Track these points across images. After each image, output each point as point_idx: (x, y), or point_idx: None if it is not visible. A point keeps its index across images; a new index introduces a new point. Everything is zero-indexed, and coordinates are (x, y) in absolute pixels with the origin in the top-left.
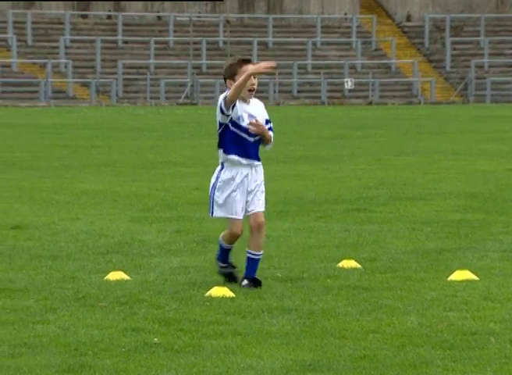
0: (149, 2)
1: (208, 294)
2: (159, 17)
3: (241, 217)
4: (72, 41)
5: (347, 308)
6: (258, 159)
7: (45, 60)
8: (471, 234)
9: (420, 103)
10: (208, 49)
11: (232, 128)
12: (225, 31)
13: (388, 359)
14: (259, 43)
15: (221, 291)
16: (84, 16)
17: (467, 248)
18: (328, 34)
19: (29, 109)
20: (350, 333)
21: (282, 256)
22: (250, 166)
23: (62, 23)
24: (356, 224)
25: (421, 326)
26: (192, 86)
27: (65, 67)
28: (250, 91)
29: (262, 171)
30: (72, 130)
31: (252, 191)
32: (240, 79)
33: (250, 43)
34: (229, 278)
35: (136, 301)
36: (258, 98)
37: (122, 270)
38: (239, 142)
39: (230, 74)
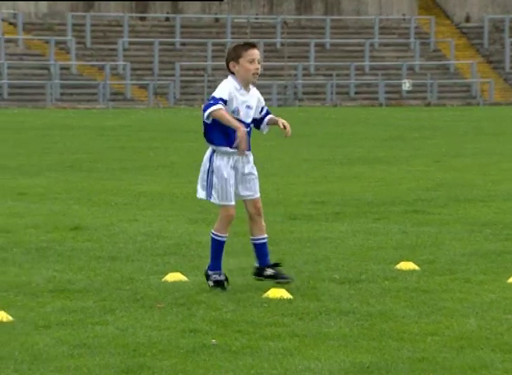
0: (206, 4)
1: (265, 295)
2: (217, 19)
3: (234, 202)
4: (131, 44)
5: (405, 311)
6: (249, 149)
7: (103, 62)
8: None
9: (479, 104)
10: (265, 51)
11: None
12: (282, 33)
13: (447, 362)
14: (316, 44)
15: (278, 293)
16: (142, 18)
17: None
18: (386, 35)
19: (87, 111)
20: (409, 335)
21: (339, 258)
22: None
23: (120, 26)
24: (414, 226)
25: (480, 329)
26: None
27: (123, 69)
28: (254, 74)
29: (252, 157)
30: (130, 131)
31: (245, 174)
32: (231, 120)
33: (308, 44)
34: (222, 286)
35: (194, 303)
36: (317, 99)
37: (180, 271)
38: (230, 134)
39: (235, 56)
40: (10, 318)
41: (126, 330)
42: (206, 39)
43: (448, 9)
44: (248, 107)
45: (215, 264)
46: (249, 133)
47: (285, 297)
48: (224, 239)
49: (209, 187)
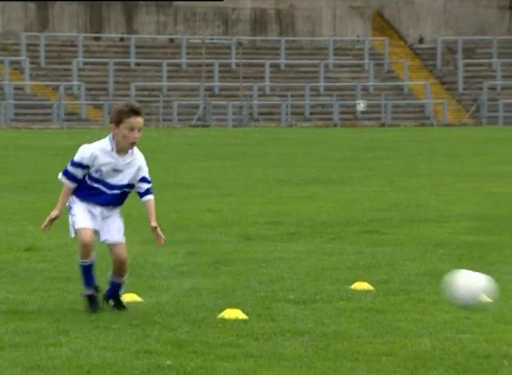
0: (161, 24)
1: (220, 316)
2: (172, 39)
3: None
4: (85, 64)
5: (360, 331)
6: (120, 203)
7: (58, 82)
8: (484, 257)
9: (432, 125)
10: (220, 71)
11: (86, 179)
12: (237, 53)
13: None
14: (271, 65)
15: (233, 313)
16: (97, 38)
17: (481, 271)
18: (340, 56)
19: (41, 131)
20: (363, 355)
21: (294, 278)
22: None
23: (74, 46)
24: (369, 246)
25: (434, 349)
26: (204, 108)
27: (78, 89)
28: (131, 143)
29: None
30: None
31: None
32: (60, 200)
33: (263, 65)
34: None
35: (149, 324)
36: (273, 120)
37: (135, 292)
38: (95, 193)
39: (116, 120)
40: None
41: (81, 352)
42: (161, 59)
43: (402, 31)
44: (116, 170)
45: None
46: (116, 195)
47: (240, 317)
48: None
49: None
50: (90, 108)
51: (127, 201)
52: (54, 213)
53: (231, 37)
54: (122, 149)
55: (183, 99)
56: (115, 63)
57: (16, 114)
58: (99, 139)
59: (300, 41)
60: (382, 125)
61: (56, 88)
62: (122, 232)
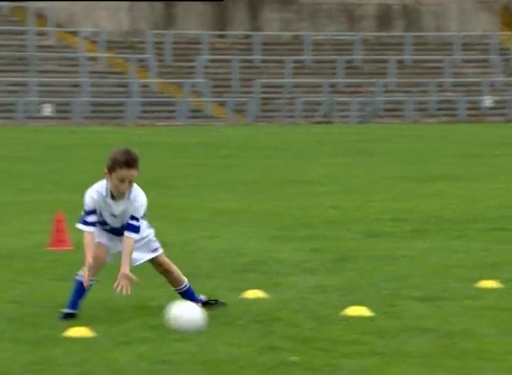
0: (286, 22)
1: (343, 313)
2: (295, 36)
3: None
4: (210, 61)
5: (487, 329)
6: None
7: (183, 80)
8: None
9: None
10: (345, 68)
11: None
12: (362, 50)
13: None
14: (396, 61)
15: (358, 311)
16: (222, 36)
17: None
18: (467, 52)
19: (167, 128)
20: (491, 354)
21: (419, 276)
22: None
23: (199, 43)
24: (495, 244)
25: None
26: (328, 104)
27: (203, 87)
28: (121, 193)
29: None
30: (208, 148)
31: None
32: (86, 253)
33: (387, 61)
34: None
35: (273, 320)
36: (397, 116)
37: (259, 288)
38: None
39: (110, 167)
40: (92, 333)
41: (206, 347)
42: (285, 56)
43: None
44: (113, 215)
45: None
46: (121, 237)
47: (364, 315)
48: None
49: None
50: (214, 105)
51: (248, 197)
52: (88, 264)
53: (355, 33)
54: (116, 195)
55: (307, 96)
56: (240, 60)
57: (142, 111)
58: (223, 136)
59: (426, 36)
60: (509, 121)
61: (181, 85)
62: (152, 247)
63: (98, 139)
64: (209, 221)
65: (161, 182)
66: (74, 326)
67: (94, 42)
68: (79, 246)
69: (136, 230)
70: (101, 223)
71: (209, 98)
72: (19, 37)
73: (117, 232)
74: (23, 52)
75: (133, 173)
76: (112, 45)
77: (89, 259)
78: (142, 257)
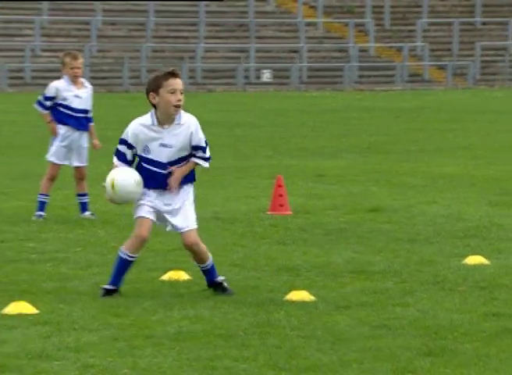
0: None
1: None
2: None
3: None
4: (430, 24)
5: None
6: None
7: (402, 44)
8: None
9: None
10: None
11: (140, 161)
12: None
13: None
14: None
15: None
16: None
17: None
18: None
19: (384, 93)
20: None
21: None
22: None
23: (419, 6)
24: None
25: None
26: None
27: (422, 50)
28: (176, 106)
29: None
30: (427, 113)
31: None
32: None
33: None
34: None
35: (496, 286)
36: None
37: (481, 254)
38: (150, 175)
39: (154, 87)
40: (312, 298)
41: (427, 313)
42: (508, 18)
43: None
44: (163, 145)
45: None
46: (167, 175)
47: None
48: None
49: None
50: (433, 69)
51: (468, 162)
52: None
53: None
54: (167, 118)
55: None
56: (460, 23)
57: (360, 76)
58: (442, 100)
59: None
60: None
61: (400, 50)
62: (191, 218)
63: (316, 104)
64: (428, 186)
65: (380, 147)
66: (295, 289)
67: (312, 7)
68: (298, 211)
69: (207, 160)
70: (146, 161)
71: (428, 61)
72: (240, 3)
73: (164, 178)
74: (243, 19)
75: (180, 82)
76: (330, 10)
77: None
78: (184, 225)
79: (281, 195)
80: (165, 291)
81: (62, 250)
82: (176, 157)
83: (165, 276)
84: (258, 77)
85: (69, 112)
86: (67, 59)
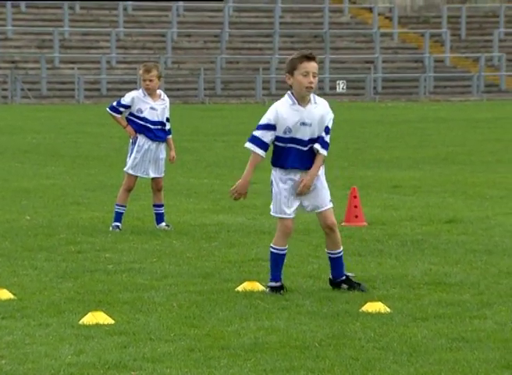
0: None
1: None
2: None
3: (290, 216)
4: (507, 34)
5: None
6: (309, 167)
7: (478, 54)
8: None
9: None
10: None
11: (278, 143)
12: None
13: None
14: None
15: None
16: None
17: None
18: None
19: (461, 103)
20: None
21: None
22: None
23: (496, 16)
24: None
25: None
26: None
27: (499, 60)
28: (307, 88)
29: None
30: (505, 123)
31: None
32: (248, 170)
33: None
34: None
35: None
36: None
37: None
38: (291, 154)
39: (289, 69)
40: (388, 309)
41: (505, 325)
42: None
43: None
44: (304, 124)
45: (275, 275)
46: (308, 152)
47: None
48: (283, 252)
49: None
50: (510, 79)
51: None
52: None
53: None
54: (302, 98)
55: None
56: None
57: (436, 86)
58: None
59: None
60: None
61: (476, 60)
62: (326, 198)
63: (391, 115)
64: (506, 197)
65: (455, 158)
66: (370, 301)
67: (388, 18)
68: (373, 222)
69: (327, 146)
70: (288, 141)
71: (505, 71)
72: (315, 14)
73: (305, 155)
74: (318, 30)
75: (315, 65)
76: (406, 21)
77: (244, 179)
78: (318, 205)
79: (356, 206)
80: (240, 301)
81: (138, 261)
82: (316, 135)
83: (240, 287)
84: (333, 88)
85: (145, 124)
86: (140, 71)
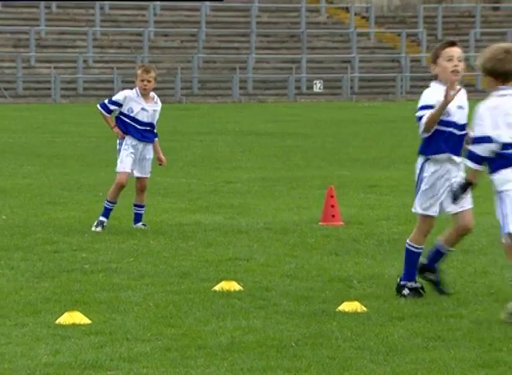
0: None
1: None
2: None
3: (434, 214)
4: (483, 34)
5: None
6: (459, 154)
7: None
8: None
9: None
10: None
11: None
12: None
13: None
14: None
15: None
16: (496, 9)
17: None
18: None
19: None
20: None
21: None
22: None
23: (472, 16)
24: None
25: None
26: None
27: (475, 60)
28: (453, 71)
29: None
30: None
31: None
32: (435, 110)
33: None
34: (418, 293)
35: None
36: None
37: None
38: (447, 138)
39: (434, 58)
40: (364, 309)
41: (481, 324)
42: None
43: None
44: (460, 107)
45: (409, 274)
46: (463, 136)
47: None
48: (420, 251)
49: (416, 195)
50: (485, 80)
51: None
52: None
53: None
54: (451, 84)
55: None
56: None
57: (412, 86)
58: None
59: None
60: None
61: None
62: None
63: (368, 115)
64: (482, 197)
65: None
66: (347, 300)
67: (364, 18)
68: (350, 221)
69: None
70: (446, 124)
71: (481, 72)
72: (292, 14)
73: (461, 140)
74: (295, 29)
75: (458, 50)
76: (382, 20)
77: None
78: (452, 207)
79: (333, 206)
80: (217, 301)
81: (115, 260)
82: (466, 119)
83: (218, 287)
84: (310, 88)
85: (134, 124)
86: (139, 71)
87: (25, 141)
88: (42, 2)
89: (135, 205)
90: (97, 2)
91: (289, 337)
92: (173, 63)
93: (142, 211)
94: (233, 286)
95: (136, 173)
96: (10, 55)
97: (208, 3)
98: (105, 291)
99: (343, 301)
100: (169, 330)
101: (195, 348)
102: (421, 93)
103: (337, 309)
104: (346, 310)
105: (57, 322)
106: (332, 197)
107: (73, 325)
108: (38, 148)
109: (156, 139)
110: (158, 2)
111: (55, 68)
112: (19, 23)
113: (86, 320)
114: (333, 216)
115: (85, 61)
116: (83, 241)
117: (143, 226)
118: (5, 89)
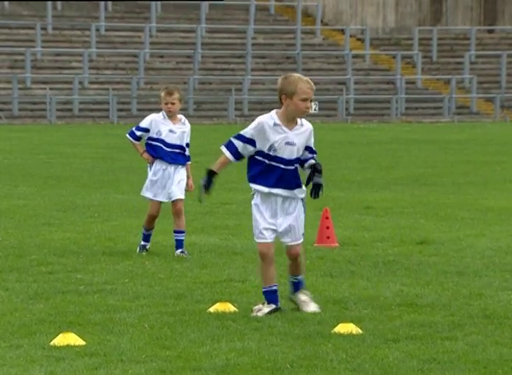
0: None
1: None
2: None
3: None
4: (478, 56)
5: None
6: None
7: (449, 76)
8: None
9: None
10: None
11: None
12: None
13: None
14: None
15: None
16: (490, 31)
17: None
18: None
19: (432, 125)
20: None
21: None
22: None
23: (467, 39)
24: None
25: None
26: None
27: (470, 83)
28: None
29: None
30: (475, 145)
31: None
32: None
33: None
34: None
35: None
36: None
37: None
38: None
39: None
40: (359, 331)
41: (476, 347)
42: None
43: None
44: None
45: None
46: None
47: None
48: None
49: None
50: (481, 101)
51: None
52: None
53: None
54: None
55: None
56: (508, 55)
57: (407, 108)
58: (490, 133)
59: None
60: None
61: (448, 82)
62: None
63: (363, 136)
64: (477, 219)
65: (427, 179)
66: (342, 322)
67: (360, 40)
68: (345, 243)
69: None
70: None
71: (476, 94)
72: (287, 35)
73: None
74: (290, 51)
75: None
76: (377, 42)
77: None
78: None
79: (328, 227)
80: (212, 323)
81: (110, 281)
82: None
83: (212, 308)
84: None
85: (163, 146)
86: (162, 94)
87: (20, 161)
88: (38, 23)
89: (174, 232)
90: (93, 23)
91: (284, 359)
92: (168, 84)
93: (182, 237)
94: (228, 307)
95: (168, 198)
96: (6, 76)
97: (203, 25)
98: (100, 313)
99: (338, 323)
100: (164, 352)
101: (190, 370)
102: (417, 114)
103: (332, 331)
104: (342, 332)
105: (52, 343)
106: (327, 218)
107: (68, 346)
108: (34, 168)
109: (188, 162)
110: (154, 24)
111: (50, 89)
112: (15, 45)
113: (80, 342)
114: (328, 237)
115: (81, 82)
116: (78, 262)
117: (181, 254)
118: (1, 110)
